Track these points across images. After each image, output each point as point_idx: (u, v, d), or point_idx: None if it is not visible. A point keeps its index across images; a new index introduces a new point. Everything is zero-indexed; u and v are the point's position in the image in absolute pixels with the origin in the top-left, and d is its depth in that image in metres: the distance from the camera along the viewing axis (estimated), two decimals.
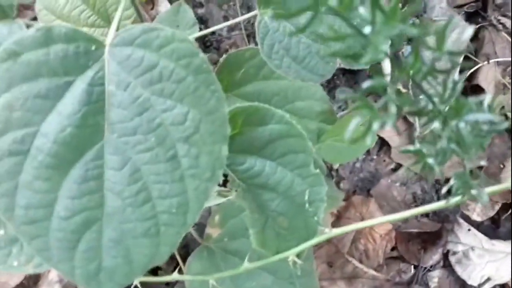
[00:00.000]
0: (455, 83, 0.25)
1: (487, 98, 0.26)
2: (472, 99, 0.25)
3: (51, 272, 0.72)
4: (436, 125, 0.26)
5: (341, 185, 0.97)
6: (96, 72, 0.33)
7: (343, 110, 1.02)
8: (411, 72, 0.24)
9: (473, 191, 0.30)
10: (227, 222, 0.59)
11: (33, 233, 0.33)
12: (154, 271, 0.76)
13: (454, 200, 0.32)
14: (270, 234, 0.43)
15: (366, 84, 0.23)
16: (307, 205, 0.41)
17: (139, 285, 0.49)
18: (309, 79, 0.50)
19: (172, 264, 0.76)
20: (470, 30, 0.99)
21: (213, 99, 0.33)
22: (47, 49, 0.32)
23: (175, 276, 0.53)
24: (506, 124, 0.25)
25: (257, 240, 0.43)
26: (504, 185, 0.36)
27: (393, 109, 0.23)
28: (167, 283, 0.80)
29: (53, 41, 0.32)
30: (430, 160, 0.28)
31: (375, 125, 0.23)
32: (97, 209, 0.33)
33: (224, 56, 0.61)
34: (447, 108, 0.26)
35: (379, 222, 0.41)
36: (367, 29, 0.21)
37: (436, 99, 0.26)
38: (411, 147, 0.29)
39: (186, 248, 0.77)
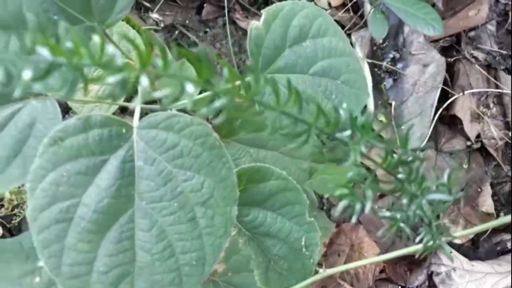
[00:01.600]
0: (417, 169, 0.32)
1: (445, 178, 0.33)
2: (433, 180, 0.33)
3: None
4: (404, 201, 0.33)
5: (332, 212, 1.04)
6: (127, 150, 0.39)
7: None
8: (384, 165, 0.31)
9: (438, 242, 0.37)
10: (231, 258, 0.65)
11: (76, 286, 0.39)
12: None
13: (422, 247, 0.39)
14: (273, 274, 0.49)
15: (349, 175, 0.30)
16: (304, 249, 0.47)
17: None
18: None
19: None
20: (442, 63, 1.08)
21: (224, 169, 0.40)
22: (86, 134, 0.38)
23: None
24: (458, 196, 0.32)
25: (261, 280, 0.49)
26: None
27: (369, 193, 0.30)
28: None
29: (91, 127, 0.39)
30: (402, 224, 0.35)
31: (357, 206, 0.30)
32: (130, 264, 0.39)
33: None
34: (413, 187, 0.33)
35: (368, 262, 0.48)
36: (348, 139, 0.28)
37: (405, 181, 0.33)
38: (387, 213, 0.36)
39: None
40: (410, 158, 0.31)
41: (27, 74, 0.19)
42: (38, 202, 0.38)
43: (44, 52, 0.19)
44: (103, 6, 0.39)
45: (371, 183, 0.30)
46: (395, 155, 0.31)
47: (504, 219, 0.44)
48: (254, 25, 0.51)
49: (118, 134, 0.39)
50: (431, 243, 0.37)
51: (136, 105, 0.40)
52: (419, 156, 0.31)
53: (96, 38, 0.19)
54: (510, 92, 1.12)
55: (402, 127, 1.08)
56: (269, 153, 0.70)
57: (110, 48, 0.19)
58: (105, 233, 0.39)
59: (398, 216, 0.34)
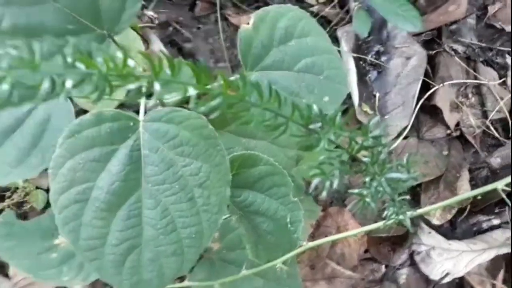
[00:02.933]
0: (379, 153, 0.39)
1: (405, 160, 0.39)
2: (393, 162, 0.39)
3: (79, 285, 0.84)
4: (367, 179, 0.39)
5: (320, 197, 1.10)
6: (134, 140, 0.46)
7: None
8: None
9: (401, 217, 0.44)
10: (225, 238, 0.72)
11: (92, 257, 0.45)
12: None
13: (387, 222, 0.45)
14: (262, 248, 0.56)
15: (320, 158, 0.36)
16: (289, 225, 0.54)
17: None
18: None
19: None
20: (424, 56, 1.14)
21: (218, 156, 0.46)
22: (99, 127, 0.45)
23: (185, 283, 0.66)
24: (415, 178, 0.39)
25: (252, 253, 0.56)
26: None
27: (337, 173, 0.37)
28: None
29: (103, 121, 0.45)
30: (368, 199, 0.41)
31: (327, 183, 0.36)
32: (138, 237, 0.46)
33: None
34: (376, 168, 0.40)
35: (352, 234, 0.55)
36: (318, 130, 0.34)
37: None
38: (355, 190, 0.42)
39: None
40: (371, 144, 0.37)
41: (69, 83, 0.25)
42: (59, 185, 0.44)
43: (80, 66, 0.25)
44: (112, 16, 0.45)
45: (339, 164, 0.37)
46: (360, 142, 0.38)
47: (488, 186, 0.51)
48: (243, 28, 0.58)
49: (127, 127, 0.45)
50: (394, 216, 0.44)
51: (142, 102, 0.47)
52: (380, 142, 0.38)
53: (118, 54, 0.25)
54: (487, 82, 1.19)
55: (386, 116, 1.15)
56: (258, 143, 0.77)
57: (130, 62, 0.26)
58: (116, 212, 0.45)
59: (365, 192, 0.41)
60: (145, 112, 0.47)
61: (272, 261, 0.55)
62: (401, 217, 0.44)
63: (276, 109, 0.33)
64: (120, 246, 0.46)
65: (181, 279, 0.77)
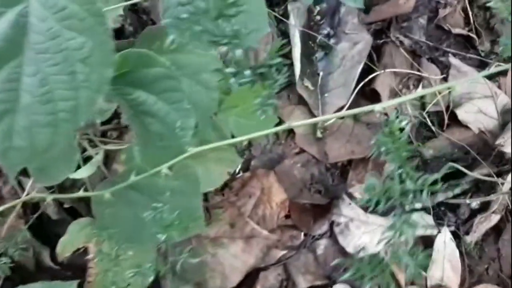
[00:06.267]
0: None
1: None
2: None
3: None
4: None
5: (252, 162, 1.12)
6: (23, 8, 0.47)
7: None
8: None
9: None
10: (131, 161, 0.73)
11: None
12: None
13: None
14: (151, 150, 0.57)
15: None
16: (178, 130, 0.55)
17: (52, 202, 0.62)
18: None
19: None
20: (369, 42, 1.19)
21: (104, 35, 0.48)
22: None
23: (81, 193, 0.67)
24: None
25: (141, 155, 0.57)
26: None
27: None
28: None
29: None
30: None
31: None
32: (14, 102, 0.47)
33: (145, 29, 0.76)
34: None
35: None
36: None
37: None
38: None
39: None
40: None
41: None
42: None
43: None
44: None
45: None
46: None
47: None
48: None
49: None
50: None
51: None
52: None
53: None
54: (428, 76, 1.24)
55: (326, 94, 1.18)
56: (185, 80, 0.78)
57: None
58: None
59: None
60: None
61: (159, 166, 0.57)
62: None
63: None
64: None
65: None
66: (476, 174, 1.08)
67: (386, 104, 0.59)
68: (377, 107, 0.55)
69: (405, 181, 0.51)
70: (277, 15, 1.25)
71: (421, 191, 0.49)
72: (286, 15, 1.23)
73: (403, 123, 0.48)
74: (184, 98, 0.57)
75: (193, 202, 0.73)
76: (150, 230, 0.51)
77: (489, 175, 1.08)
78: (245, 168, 1.11)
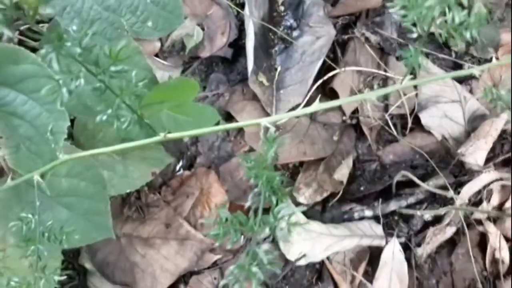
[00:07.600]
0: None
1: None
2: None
3: None
4: None
5: (198, 160, 1.07)
6: None
7: (212, 91, 1.12)
8: None
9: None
10: None
11: None
12: None
13: None
14: (23, 156, 0.52)
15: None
16: (49, 134, 0.50)
17: None
18: None
19: None
20: (332, 37, 1.12)
21: None
22: None
23: None
24: None
25: (12, 160, 0.52)
26: None
27: None
28: None
29: None
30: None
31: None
32: None
33: None
34: None
35: None
36: None
37: None
38: None
39: None
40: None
41: None
42: None
43: None
44: None
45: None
46: None
47: None
48: None
49: None
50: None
51: None
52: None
53: None
54: (394, 76, 1.17)
55: (281, 91, 1.12)
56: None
57: None
58: None
59: None
60: None
61: (33, 171, 0.51)
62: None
63: None
64: None
65: None
66: (429, 185, 1.02)
67: (344, 101, 0.55)
68: (332, 104, 0.51)
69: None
70: (238, 3, 1.18)
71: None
72: None
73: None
74: (58, 98, 0.51)
75: (99, 205, 0.68)
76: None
77: (444, 187, 1.01)
78: (190, 165, 1.06)
